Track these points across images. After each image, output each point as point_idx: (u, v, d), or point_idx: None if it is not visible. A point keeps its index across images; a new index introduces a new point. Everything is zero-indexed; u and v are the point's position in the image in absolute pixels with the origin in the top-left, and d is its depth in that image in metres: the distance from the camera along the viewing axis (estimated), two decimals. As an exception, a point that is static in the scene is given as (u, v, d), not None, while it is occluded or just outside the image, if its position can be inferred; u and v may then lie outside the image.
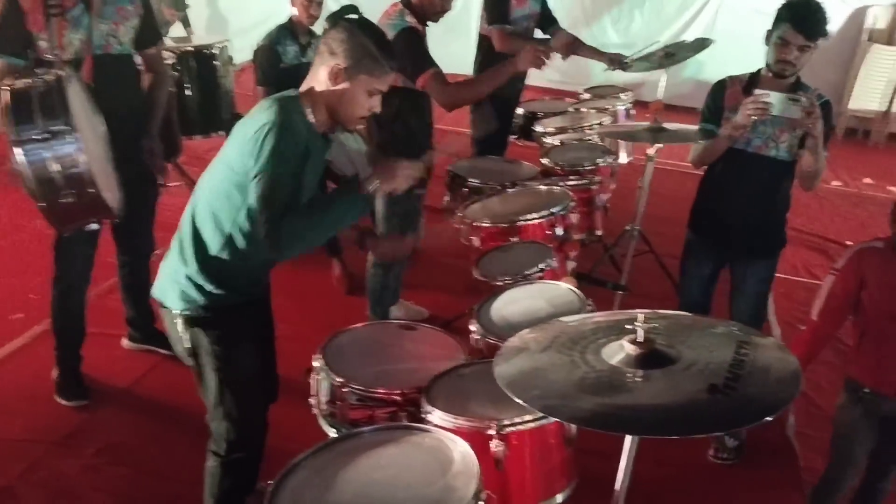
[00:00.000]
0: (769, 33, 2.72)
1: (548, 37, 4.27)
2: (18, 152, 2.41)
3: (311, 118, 2.03)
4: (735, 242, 2.97)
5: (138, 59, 3.05)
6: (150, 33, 3.01)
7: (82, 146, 2.44)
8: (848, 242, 4.88)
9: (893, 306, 2.42)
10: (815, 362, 2.83)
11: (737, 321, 2.93)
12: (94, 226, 2.71)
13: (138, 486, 2.74)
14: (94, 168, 2.49)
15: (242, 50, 5.15)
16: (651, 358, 1.53)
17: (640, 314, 1.55)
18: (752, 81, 2.83)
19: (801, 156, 2.74)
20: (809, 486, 2.93)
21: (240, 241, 2.06)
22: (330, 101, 2.05)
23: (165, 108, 4.16)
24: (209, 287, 2.09)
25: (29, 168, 2.42)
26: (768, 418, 1.35)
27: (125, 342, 3.45)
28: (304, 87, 2.08)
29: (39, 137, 2.41)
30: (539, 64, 3.05)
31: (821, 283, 2.62)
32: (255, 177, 1.92)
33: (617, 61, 4.29)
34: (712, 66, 7.11)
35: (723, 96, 2.87)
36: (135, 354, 3.41)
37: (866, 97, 7.19)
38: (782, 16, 2.66)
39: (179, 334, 2.15)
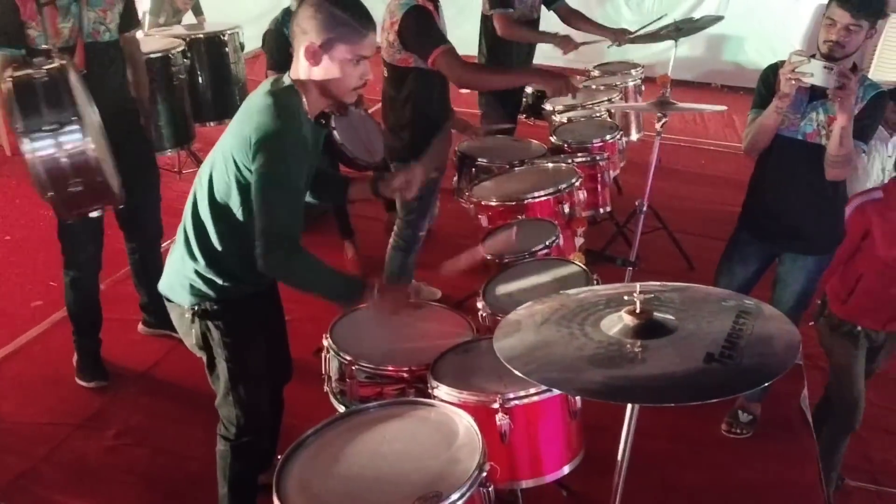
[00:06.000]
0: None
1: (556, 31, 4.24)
2: (27, 144, 2.42)
3: (305, 107, 1.97)
4: (787, 236, 2.84)
5: None
6: (130, 18, 3.03)
7: (89, 135, 2.46)
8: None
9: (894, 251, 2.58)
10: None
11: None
12: (97, 213, 2.72)
13: (157, 466, 2.80)
14: (100, 155, 2.51)
15: (253, 38, 5.17)
16: (649, 328, 1.54)
17: (638, 285, 1.55)
18: None
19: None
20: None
21: (246, 235, 2.01)
22: (318, 81, 1.95)
23: (177, 97, 4.26)
24: (219, 280, 2.08)
25: (38, 159, 2.43)
26: (765, 385, 1.36)
27: (141, 328, 3.50)
28: (293, 74, 1.99)
29: (48, 129, 2.41)
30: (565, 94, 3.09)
31: None
32: (256, 184, 1.88)
33: (622, 37, 4.24)
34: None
35: (774, 81, 2.69)
36: (151, 339, 3.46)
37: (887, 68, 7.05)
38: None
39: (190, 328, 2.16)
